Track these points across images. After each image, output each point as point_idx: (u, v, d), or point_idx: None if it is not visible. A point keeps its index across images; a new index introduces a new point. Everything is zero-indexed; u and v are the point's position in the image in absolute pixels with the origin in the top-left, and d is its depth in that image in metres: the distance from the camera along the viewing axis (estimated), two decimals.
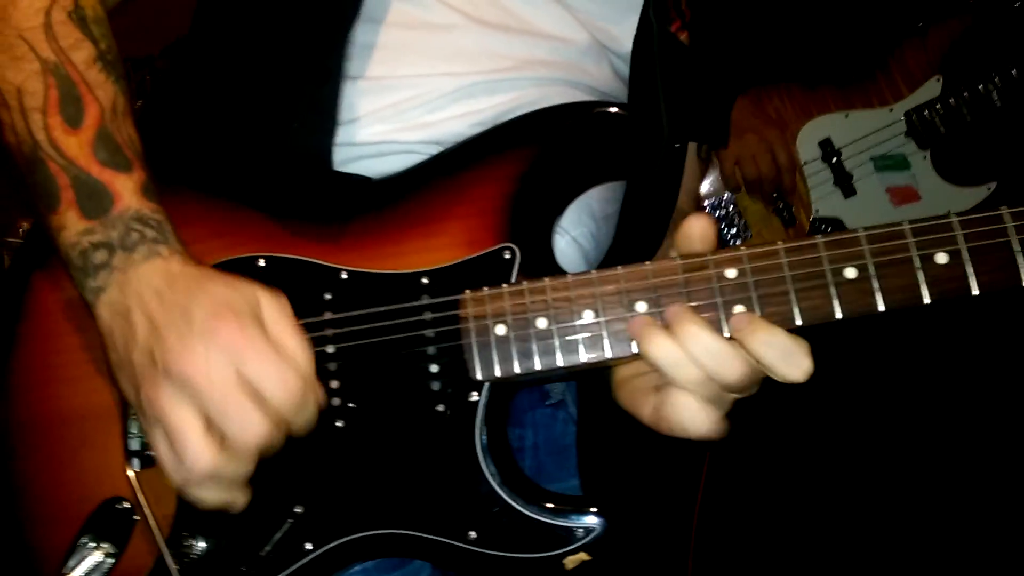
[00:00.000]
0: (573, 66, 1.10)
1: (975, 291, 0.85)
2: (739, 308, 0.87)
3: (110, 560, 0.97)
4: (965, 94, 2.09)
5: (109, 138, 0.91)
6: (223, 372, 0.80)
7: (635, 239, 1.11)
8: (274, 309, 0.86)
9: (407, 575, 1.07)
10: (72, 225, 0.90)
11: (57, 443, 1.01)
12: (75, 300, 1.02)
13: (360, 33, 1.05)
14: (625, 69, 1.14)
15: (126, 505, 0.97)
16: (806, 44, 2.21)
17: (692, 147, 1.23)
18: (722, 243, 2.09)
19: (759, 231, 2.27)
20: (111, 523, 0.97)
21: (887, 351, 2.21)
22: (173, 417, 0.81)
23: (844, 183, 2.18)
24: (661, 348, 0.85)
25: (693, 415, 0.87)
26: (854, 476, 2.34)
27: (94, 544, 0.98)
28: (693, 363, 0.85)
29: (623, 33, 1.12)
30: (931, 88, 2.13)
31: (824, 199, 2.20)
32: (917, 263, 0.86)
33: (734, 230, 2.27)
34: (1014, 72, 2.03)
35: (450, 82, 1.05)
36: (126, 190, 0.90)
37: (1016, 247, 0.84)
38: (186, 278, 0.86)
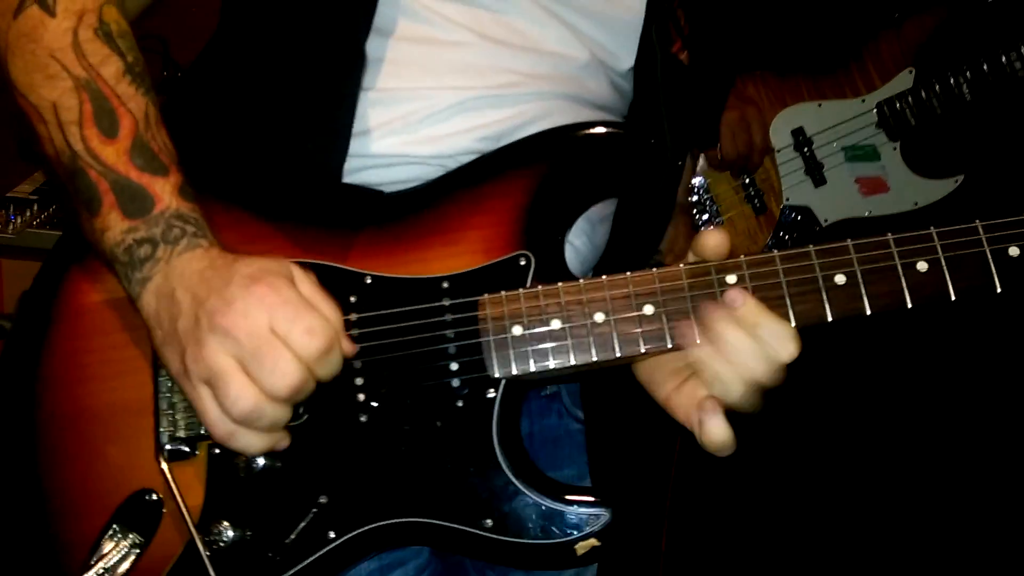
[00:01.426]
0: (573, 81, 1.16)
1: (952, 296, 0.94)
2: (731, 278, 0.96)
3: (137, 549, 1.01)
4: (936, 87, 2.13)
5: (145, 146, 0.97)
6: (258, 323, 0.88)
7: (631, 245, 1.19)
8: (304, 277, 0.94)
9: (407, 556, 1.12)
10: (115, 225, 0.95)
11: (86, 438, 1.05)
12: (109, 300, 1.08)
13: (371, 47, 1.10)
14: (622, 84, 1.21)
15: (155, 497, 1.02)
16: (782, 33, 2.25)
17: None
18: (694, 228, 2.15)
19: (731, 218, 2.31)
20: (139, 514, 1.02)
21: (880, 350, 2.25)
22: (216, 364, 0.88)
23: (815, 172, 2.21)
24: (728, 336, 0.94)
25: (718, 427, 0.96)
26: (848, 473, 2.38)
27: (122, 534, 1.02)
28: (727, 361, 0.94)
29: (621, 52, 1.19)
30: (903, 80, 2.17)
31: (795, 187, 2.24)
32: (900, 270, 0.94)
33: (706, 216, 2.31)
34: (984, 66, 2.07)
35: (456, 95, 1.11)
36: (165, 192, 0.96)
37: (989, 256, 0.93)
38: (225, 259, 0.94)
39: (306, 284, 0.93)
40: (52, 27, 0.97)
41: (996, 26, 2.12)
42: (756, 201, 2.26)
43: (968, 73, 2.09)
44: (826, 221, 2.26)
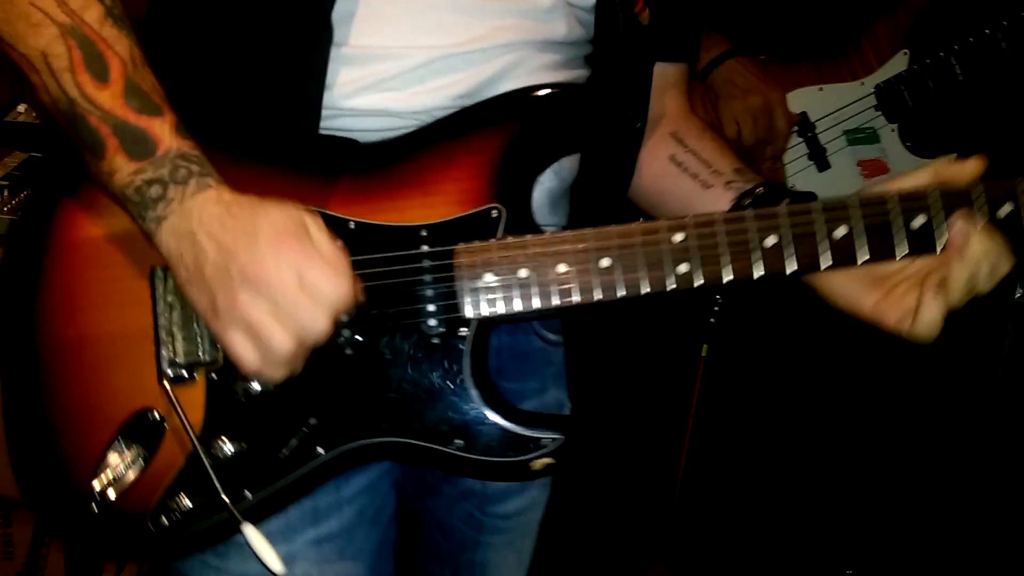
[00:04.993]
0: (540, 27, 1.22)
1: (860, 261, 1.09)
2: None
3: (141, 461, 1.13)
4: (929, 66, 2.15)
5: (137, 88, 1.02)
6: (291, 279, 0.98)
7: (597, 196, 1.31)
8: (316, 226, 1.03)
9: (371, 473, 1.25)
10: (122, 168, 1.01)
11: (88, 362, 1.14)
12: (104, 234, 1.15)
13: (340, 4, 1.14)
14: (587, 18, 1.27)
15: (157, 416, 1.13)
16: (782, 19, 2.27)
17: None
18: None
19: None
20: (143, 430, 1.12)
21: (879, 349, 2.31)
22: (253, 315, 0.98)
23: (818, 157, 2.22)
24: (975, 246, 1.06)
25: (934, 316, 1.07)
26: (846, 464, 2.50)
27: (127, 448, 1.13)
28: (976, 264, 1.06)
29: None
30: (899, 62, 2.19)
31: (799, 174, 2.24)
32: (822, 235, 1.09)
33: None
34: (972, 40, 2.09)
35: (427, 54, 1.17)
36: (164, 132, 1.02)
37: (900, 226, 1.09)
38: (239, 205, 1.01)
39: (322, 235, 1.02)
40: None
41: (984, 3, 2.13)
42: None
43: (959, 50, 2.10)
44: None
